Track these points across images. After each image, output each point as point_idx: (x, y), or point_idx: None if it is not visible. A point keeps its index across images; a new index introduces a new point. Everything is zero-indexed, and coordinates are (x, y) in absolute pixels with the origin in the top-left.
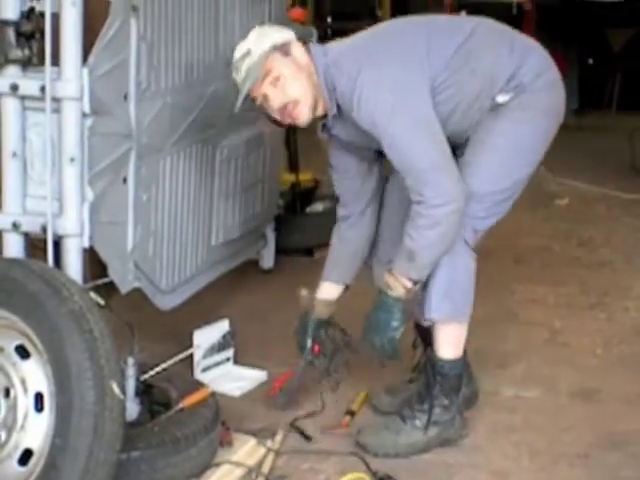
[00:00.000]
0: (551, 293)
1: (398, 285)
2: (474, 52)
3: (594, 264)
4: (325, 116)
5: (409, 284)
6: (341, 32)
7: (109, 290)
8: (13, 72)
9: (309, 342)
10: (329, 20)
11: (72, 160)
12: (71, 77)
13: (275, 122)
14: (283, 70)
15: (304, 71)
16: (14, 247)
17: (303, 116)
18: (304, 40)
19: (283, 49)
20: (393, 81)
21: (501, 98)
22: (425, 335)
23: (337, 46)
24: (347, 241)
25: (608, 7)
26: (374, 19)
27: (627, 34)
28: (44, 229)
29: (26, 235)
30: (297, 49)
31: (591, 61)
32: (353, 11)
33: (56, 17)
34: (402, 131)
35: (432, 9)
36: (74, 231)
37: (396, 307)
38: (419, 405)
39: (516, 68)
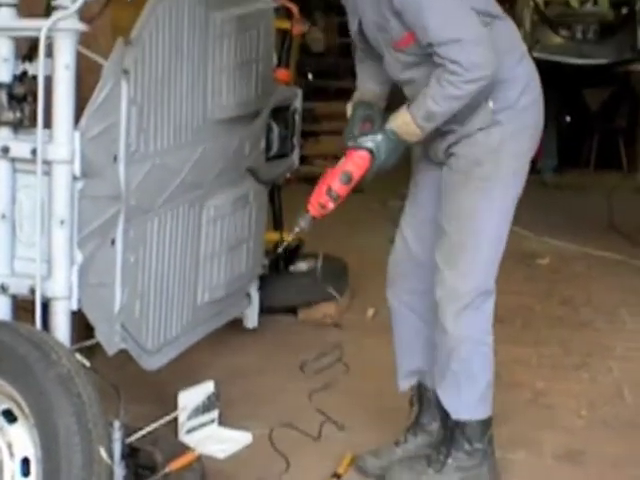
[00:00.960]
0: (534, 353)
1: (411, 132)
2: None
3: (576, 324)
4: None
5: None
6: (323, 90)
7: (92, 349)
8: (4, 134)
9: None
10: (310, 77)
11: (62, 223)
12: (63, 140)
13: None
14: None
15: None
16: (1, 309)
17: None
18: None
19: None
20: None
21: (491, 104)
22: (424, 396)
23: None
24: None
25: (585, 68)
26: (355, 78)
27: (604, 94)
28: (32, 291)
29: (14, 297)
30: None
31: (569, 119)
32: (334, 69)
33: (48, 80)
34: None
35: None
36: (63, 294)
37: (400, 148)
38: (443, 448)
39: (510, 81)
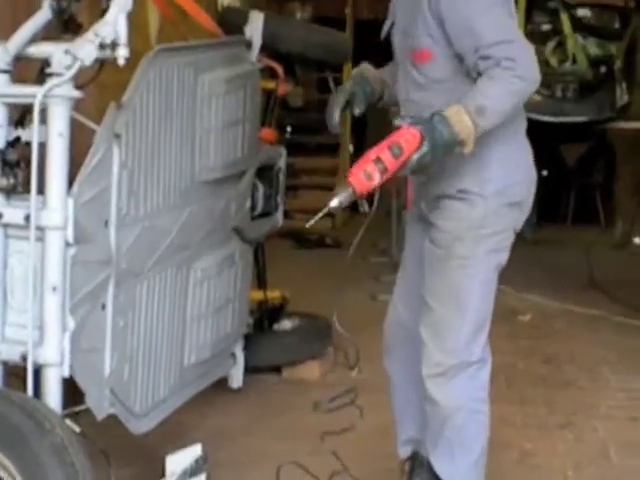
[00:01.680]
0: (519, 413)
1: (464, 123)
2: None
3: (560, 382)
4: None
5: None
6: (302, 145)
7: (79, 412)
8: None
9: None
10: (288, 130)
11: (54, 289)
12: (56, 207)
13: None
14: None
15: None
16: None
17: None
18: None
19: None
20: None
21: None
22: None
23: None
24: None
25: (563, 124)
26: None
27: (580, 149)
28: (24, 358)
29: (4, 364)
30: None
31: (545, 173)
32: (313, 124)
33: (41, 146)
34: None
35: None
36: (54, 360)
37: (448, 145)
38: None
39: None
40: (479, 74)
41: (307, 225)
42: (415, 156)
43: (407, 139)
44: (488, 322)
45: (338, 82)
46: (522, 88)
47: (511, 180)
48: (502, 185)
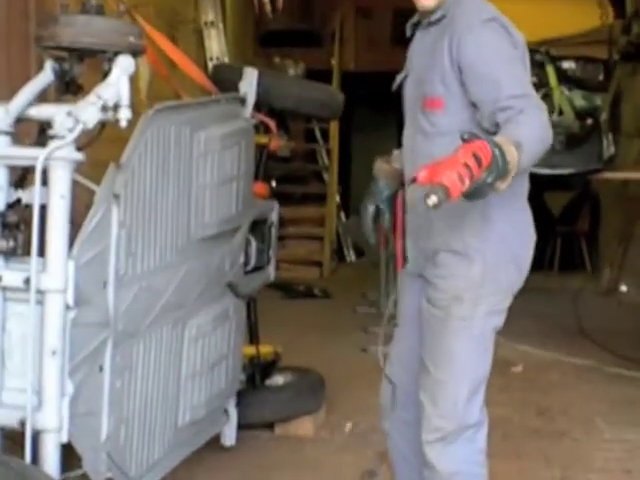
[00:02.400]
0: (515, 467)
1: (511, 153)
2: None
3: (554, 434)
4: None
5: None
6: (288, 195)
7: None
8: None
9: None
10: (273, 184)
11: (54, 353)
12: (56, 270)
13: None
14: None
15: None
16: None
17: None
18: None
19: None
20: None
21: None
22: None
23: None
24: None
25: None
26: (322, 182)
27: (565, 198)
28: (22, 423)
29: (2, 429)
30: None
31: None
32: (300, 174)
33: (42, 208)
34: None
35: None
36: (54, 426)
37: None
38: None
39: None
40: (496, 125)
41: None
42: (484, 174)
43: (484, 153)
44: (485, 384)
45: (325, 133)
46: (547, 135)
47: (511, 238)
48: (502, 243)
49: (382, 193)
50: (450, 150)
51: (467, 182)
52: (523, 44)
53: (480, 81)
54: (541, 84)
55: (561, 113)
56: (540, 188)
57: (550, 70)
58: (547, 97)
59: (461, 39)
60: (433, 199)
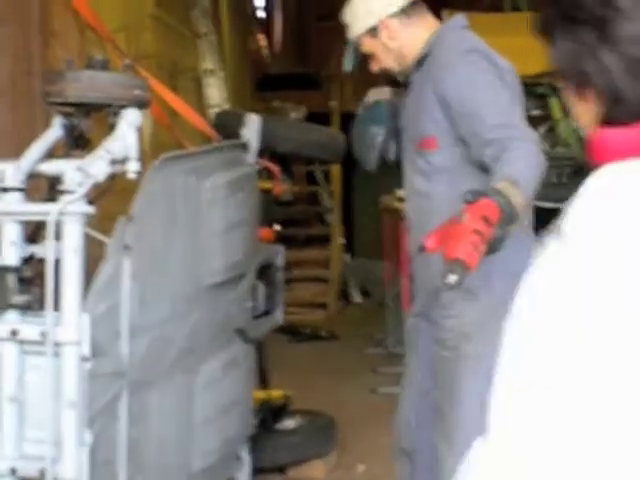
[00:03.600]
0: None
1: (512, 192)
2: None
3: None
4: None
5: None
6: (292, 238)
7: None
8: (12, 317)
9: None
10: (277, 228)
11: (72, 404)
12: (72, 322)
13: None
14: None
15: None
16: None
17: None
18: None
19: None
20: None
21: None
22: None
23: None
24: None
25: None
26: (325, 224)
27: None
28: (42, 473)
29: None
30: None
31: None
32: (303, 217)
33: (55, 262)
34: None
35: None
36: (73, 476)
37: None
38: None
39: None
40: (484, 162)
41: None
42: (496, 231)
43: (491, 212)
44: None
45: (327, 175)
46: (540, 162)
47: (515, 264)
48: (506, 271)
49: (387, 120)
50: (446, 187)
51: (482, 248)
52: (511, 73)
53: (463, 116)
54: (546, 116)
55: (567, 145)
56: (547, 222)
57: (554, 102)
58: (552, 130)
59: (441, 76)
60: (453, 278)
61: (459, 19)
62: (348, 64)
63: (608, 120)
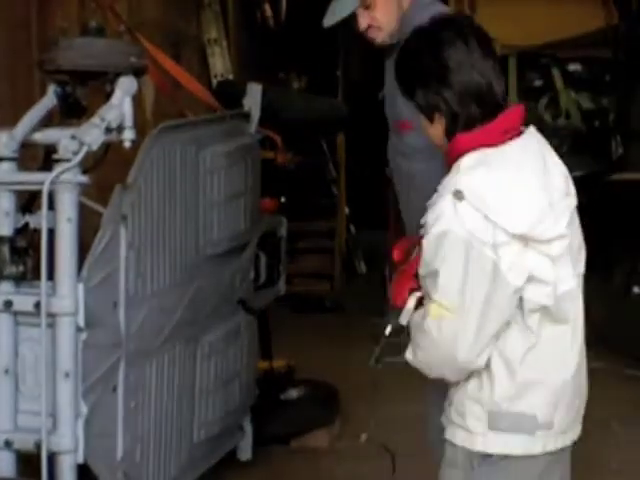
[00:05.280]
0: None
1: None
2: None
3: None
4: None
5: None
6: (297, 209)
7: None
8: (6, 288)
9: None
10: (283, 199)
11: (67, 375)
12: (66, 293)
13: None
14: None
15: None
16: (6, 465)
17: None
18: None
19: None
20: None
21: None
22: None
23: None
24: None
25: None
26: (331, 195)
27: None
28: (37, 446)
29: (17, 452)
30: None
31: None
32: (309, 188)
33: (50, 232)
34: None
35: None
36: (69, 448)
37: None
38: None
39: None
40: None
41: (371, 363)
42: None
43: None
44: None
45: (332, 146)
46: None
47: None
48: None
49: None
50: (425, 165)
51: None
52: None
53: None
54: (547, 87)
55: (568, 116)
56: None
57: (556, 73)
58: (554, 100)
59: None
60: (388, 330)
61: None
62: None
63: (451, 132)
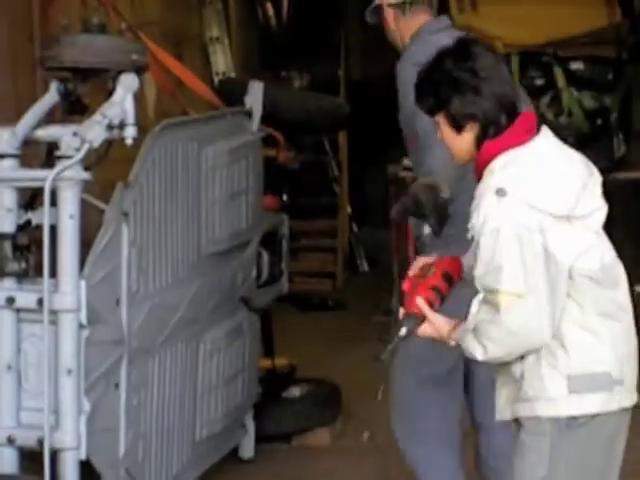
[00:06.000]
0: None
1: None
2: None
3: None
4: None
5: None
6: (299, 208)
7: None
8: (8, 285)
9: None
10: (284, 197)
11: (69, 372)
12: (69, 290)
13: None
14: None
15: None
16: (9, 462)
17: None
18: None
19: None
20: None
21: None
22: None
23: None
24: None
25: None
26: (333, 194)
27: None
28: (40, 442)
29: (20, 449)
30: None
31: None
32: (311, 187)
33: (52, 229)
34: None
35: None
36: (72, 444)
37: None
38: None
39: None
40: None
41: (382, 358)
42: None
43: (455, 269)
44: None
45: (334, 144)
46: None
47: None
48: None
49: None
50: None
51: (437, 304)
52: None
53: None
54: (549, 86)
55: (570, 114)
56: None
57: (558, 71)
58: (556, 99)
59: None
60: (403, 330)
61: (436, 22)
62: (368, 17)
63: (481, 140)
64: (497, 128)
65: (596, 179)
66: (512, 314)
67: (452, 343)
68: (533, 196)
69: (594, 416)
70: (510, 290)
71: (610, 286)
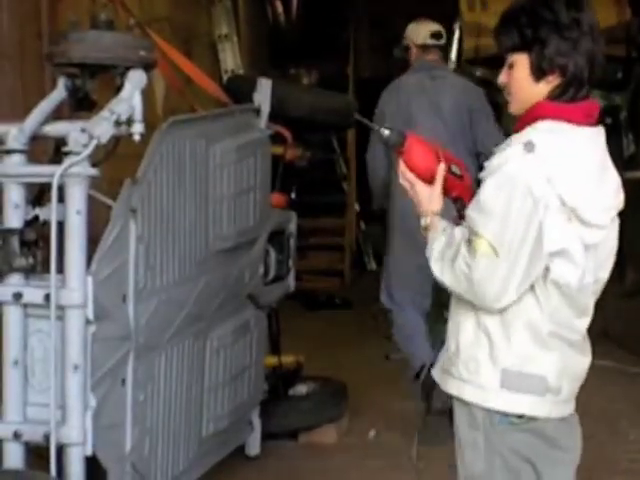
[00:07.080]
0: None
1: None
2: None
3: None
4: None
5: None
6: (308, 206)
7: None
8: (16, 280)
9: None
10: (293, 195)
11: (76, 368)
12: (76, 285)
13: None
14: None
15: None
16: (15, 457)
17: None
18: None
19: None
20: None
21: None
22: None
23: None
24: None
25: None
26: (341, 192)
27: None
28: (46, 438)
29: (27, 444)
30: None
31: None
32: (319, 185)
33: (59, 225)
34: None
35: None
36: (78, 440)
37: None
38: None
39: None
40: None
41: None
42: None
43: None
44: None
45: (342, 142)
46: None
47: None
48: None
49: None
50: None
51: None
52: None
53: None
54: None
55: None
56: None
57: None
58: None
59: None
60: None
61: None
62: (396, 52)
63: (556, 96)
64: (576, 91)
65: (618, 205)
66: (482, 266)
67: (422, 222)
68: (555, 172)
69: (530, 419)
70: (490, 241)
71: (577, 312)
